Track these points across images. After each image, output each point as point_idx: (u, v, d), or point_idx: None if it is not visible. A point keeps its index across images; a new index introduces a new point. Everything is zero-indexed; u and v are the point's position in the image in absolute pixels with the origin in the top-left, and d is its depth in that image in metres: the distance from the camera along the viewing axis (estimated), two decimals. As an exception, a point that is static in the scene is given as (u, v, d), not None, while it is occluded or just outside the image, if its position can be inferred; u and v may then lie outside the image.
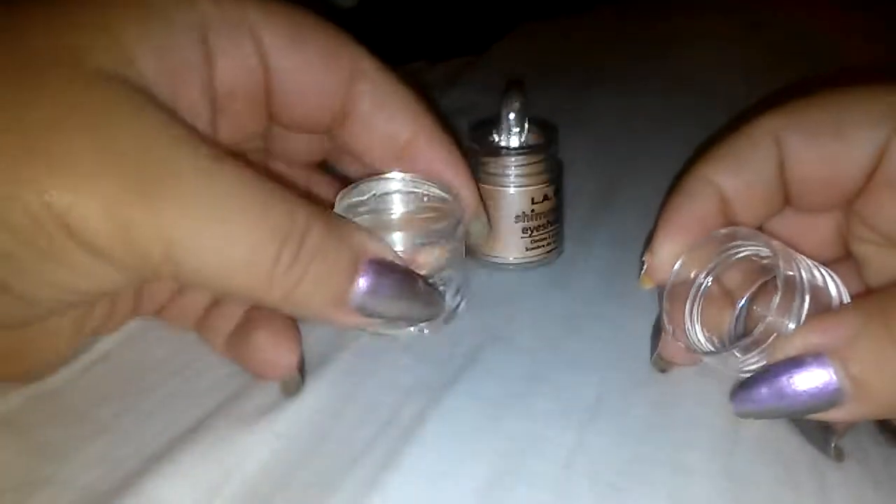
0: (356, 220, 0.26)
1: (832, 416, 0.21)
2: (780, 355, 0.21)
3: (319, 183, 0.33)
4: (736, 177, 0.26)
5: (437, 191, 0.29)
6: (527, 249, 0.36)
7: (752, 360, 0.23)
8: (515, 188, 0.35)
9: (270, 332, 0.27)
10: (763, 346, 0.23)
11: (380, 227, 0.26)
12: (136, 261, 0.21)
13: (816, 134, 0.25)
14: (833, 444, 0.24)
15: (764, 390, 0.21)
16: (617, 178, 0.47)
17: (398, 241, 0.26)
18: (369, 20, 0.77)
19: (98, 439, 0.26)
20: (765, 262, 0.26)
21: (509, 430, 0.26)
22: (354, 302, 0.23)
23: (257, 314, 0.28)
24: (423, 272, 0.26)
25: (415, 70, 0.69)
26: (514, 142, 0.36)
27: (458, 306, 0.30)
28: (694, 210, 0.26)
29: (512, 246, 0.36)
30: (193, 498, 0.23)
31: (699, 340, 0.26)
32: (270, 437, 0.26)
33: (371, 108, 0.28)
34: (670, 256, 0.26)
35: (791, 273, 0.23)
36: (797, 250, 0.25)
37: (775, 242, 0.24)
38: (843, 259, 0.27)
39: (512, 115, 0.36)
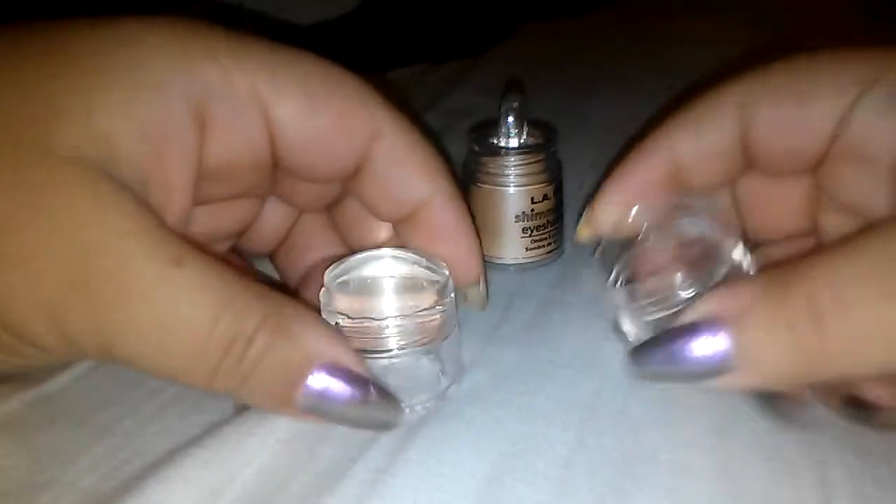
0: (341, 296, 0.26)
1: (720, 384, 0.22)
2: (680, 321, 0.22)
3: (324, 230, 0.32)
4: (693, 142, 0.26)
5: (427, 268, 0.28)
6: (527, 249, 0.36)
7: (653, 316, 0.24)
8: (515, 188, 0.35)
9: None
10: (665, 307, 0.24)
11: (364, 306, 0.26)
12: (70, 351, 0.21)
13: (779, 102, 0.25)
14: (780, 410, 0.25)
15: (659, 354, 0.22)
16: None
17: (383, 320, 0.25)
18: (371, 22, 0.77)
19: (99, 443, 0.26)
20: (698, 232, 0.26)
21: (509, 430, 0.26)
22: (301, 404, 0.23)
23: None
24: (404, 354, 0.26)
25: (417, 72, 0.69)
26: (514, 142, 0.36)
27: (448, 387, 0.28)
28: (641, 172, 0.26)
29: (512, 246, 0.36)
30: (195, 502, 0.23)
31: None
32: (271, 440, 0.26)
33: (386, 167, 0.27)
34: (610, 213, 0.27)
35: (720, 247, 0.23)
36: (767, 217, 0.25)
37: (718, 215, 0.24)
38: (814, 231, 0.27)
39: (511, 116, 0.36)
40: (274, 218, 0.31)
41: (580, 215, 0.29)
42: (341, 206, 0.31)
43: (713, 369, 0.21)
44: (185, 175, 0.24)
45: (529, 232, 0.36)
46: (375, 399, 0.24)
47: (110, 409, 0.27)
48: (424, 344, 0.26)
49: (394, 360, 0.26)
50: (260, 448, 0.25)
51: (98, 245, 0.20)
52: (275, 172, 0.27)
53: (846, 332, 0.20)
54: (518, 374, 0.29)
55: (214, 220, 0.28)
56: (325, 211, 0.31)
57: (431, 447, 0.25)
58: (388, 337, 0.25)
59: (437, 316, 0.26)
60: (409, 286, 0.27)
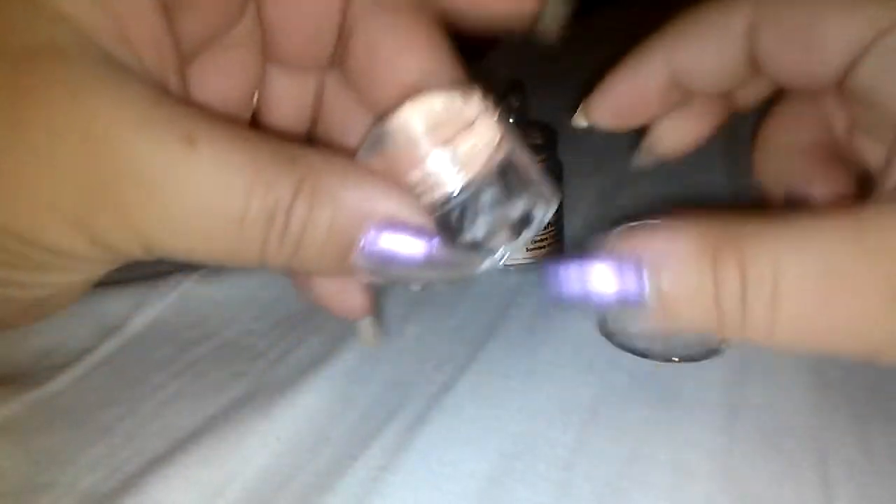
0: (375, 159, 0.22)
1: (630, 319, 0.21)
2: (606, 248, 0.21)
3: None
4: (697, 52, 0.26)
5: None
6: (527, 250, 0.36)
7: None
8: (515, 189, 0.35)
9: (333, 282, 0.25)
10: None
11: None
12: (108, 257, 0.20)
13: (788, 36, 0.24)
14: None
15: (578, 275, 0.21)
16: (617, 180, 0.47)
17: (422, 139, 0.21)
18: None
19: (99, 443, 0.26)
20: None
21: (509, 430, 0.26)
22: (360, 264, 0.21)
23: None
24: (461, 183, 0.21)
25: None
26: (514, 143, 0.36)
27: (500, 253, 0.23)
28: (641, 74, 0.26)
29: (512, 248, 0.36)
30: (196, 501, 0.23)
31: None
32: (272, 439, 0.26)
33: (375, 38, 0.24)
34: (604, 104, 0.27)
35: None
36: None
37: None
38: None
39: (512, 117, 0.36)
40: (284, 85, 0.26)
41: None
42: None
43: (626, 303, 0.20)
44: (152, 23, 0.20)
45: (530, 233, 0.36)
46: (440, 254, 0.21)
47: (109, 409, 0.27)
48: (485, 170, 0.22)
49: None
50: (260, 447, 0.25)
51: (106, 139, 0.18)
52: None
53: (770, 321, 0.19)
54: (518, 374, 0.29)
55: (212, 81, 0.25)
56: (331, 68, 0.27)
57: (432, 446, 0.25)
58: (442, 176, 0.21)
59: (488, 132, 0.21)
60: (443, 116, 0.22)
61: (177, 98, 0.19)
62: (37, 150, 0.18)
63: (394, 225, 0.20)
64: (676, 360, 0.29)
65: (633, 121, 0.27)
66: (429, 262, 0.21)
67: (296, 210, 0.19)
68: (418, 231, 0.20)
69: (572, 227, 0.40)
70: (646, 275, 0.20)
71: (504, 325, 0.32)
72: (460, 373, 0.29)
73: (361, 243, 0.20)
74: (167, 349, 0.31)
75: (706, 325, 0.20)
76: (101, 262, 0.20)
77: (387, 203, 0.20)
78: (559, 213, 0.37)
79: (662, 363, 0.29)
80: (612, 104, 0.27)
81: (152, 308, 0.33)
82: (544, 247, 0.36)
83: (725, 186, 0.44)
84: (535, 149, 0.35)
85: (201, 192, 0.18)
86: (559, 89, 0.62)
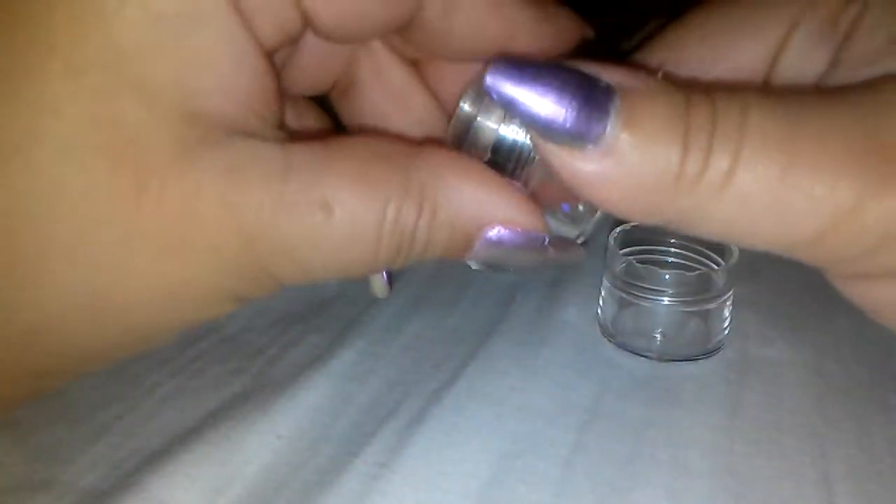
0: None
1: (569, 159, 0.18)
2: (576, 65, 0.18)
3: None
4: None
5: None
6: (527, 251, 0.36)
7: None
8: (515, 189, 0.35)
9: None
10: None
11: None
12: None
13: (706, 48, 0.23)
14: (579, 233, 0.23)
15: (528, 75, 0.18)
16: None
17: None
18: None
19: (99, 440, 0.26)
20: None
21: (509, 429, 0.26)
22: (473, 261, 0.21)
23: None
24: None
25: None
26: (514, 144, 0.36)
27: (589, 229, 0.24)
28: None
29: (512, 247, 0.36)
30: (196, 499, 0.23)
31: None
32: (272, 437, 0.26)
33: None
34: None
35: None
36: None
37: None
38: None
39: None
40: (321, 51, 0.24)
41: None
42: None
43: (584, 123, 0.17)
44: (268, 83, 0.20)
45: (529, 233, 0.36)
46: (553, 249, 0.21)
47: (110, 406, 0.27)
48: None
49: None
50: (261, 445, 0.25)
51: (254, 231, 0.18)
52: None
53: (733, 193, 0.17)
54: (518, 372, 0.29)
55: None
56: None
57: (432, 444, 0.25)
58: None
59: None
60: None
61: (294, 149, 0.19)
62: (200, 265, 0.18)
63: (509, 228, 0.20)
64: (675, 359, 0.30)
65: None
66: (542, 256, 0.21)
67: (419, 231, 0.19)
68: (530, 238, 0.20)
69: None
70: (616, 102, 0.17)
71: (504, 324, 0.32)
72: (460, 371, 0.29)
73: (477, 247, 0.20)
74: (166, 347, 0.31)
75: (659, 182, 0.18)
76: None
77: (502, 208, 0.20)
78: (559, 214, 0.37)
79: (662, 363, 0.30)
80: None
81: (152, 306, 0.33)
82: (544, 247, 0.36)
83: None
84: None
85: (340, 248, 0.19)
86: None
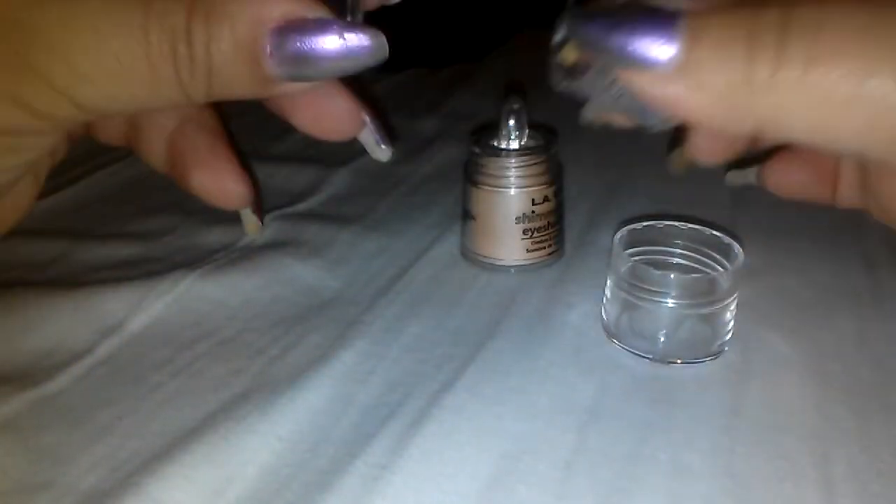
0: None
1: (651, 83, 0.19)
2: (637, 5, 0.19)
3: None
4: None
5: None
6: (527, 251, 0.36)
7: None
8: (516, 189, 0.35)
9: (209, 172, 0.26)
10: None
11: None
12: (57, 123, 0.21)
13: None
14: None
15: (602, 23, 0.19)
16: (617, 180, 0.47)
17: None
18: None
19: (99, 442, 0.26)
20: None
21: (510, 430, 0.26)
22: (276, 71, 0.20)
23: (188, 149, 0.26)
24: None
25: (415, 76, 0.69)
26: (515, 144, 0.36)
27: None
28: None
29: (513, 248, 0.36)
30: (196, 501, 0.23)
31: None
32: (272, 439, 0.26)
33: None
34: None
35: None
36: None
37: None
38: None
39: (512, 118, 0.36)
40: None
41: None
42: None
43: (651, 58, 0.18)
44: None
45: (530, 233, 0.36)
46: (352, 35, 0.20)
47: (109, 408, 0.27)
48: None
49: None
50: (261, 446, 0.25)
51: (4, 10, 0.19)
52: None
53: (805, 90, 0.18)
54: (518, 373, 0.29)
55: None
56: None
57: (433, 445, 0.25)
58: None
59: None
60: None
61: None
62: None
63: (292, 22, 0.20)
64: (678, 361, 0.30)
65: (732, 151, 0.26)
66: (347, 50, 0.20)
67: (195, 33, 0.19)
68: (319, 22, 0.20)
69: (572, 227, 0.40)
70: (680, 23, 0.18)
71: (504, 324, 0.32)
72: (461, 372, 0.29)
73: (267, 49, 0.20)
74: (166, 348, 0.31)
75: (734, 82, 0.18)
76: (46, 133, 0.21)
77: (279, 4, 0.20)
78: (559, 213, 0.37)
79: (663, 364, 0.30)
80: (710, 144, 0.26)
81: (151, 307, 0.33)
82: (544, 247, 0.36)
83: (727, 187, 0.44)
84: (536, 150, 0.36)
85: (101, 37, 0.19)
86: (558, 93, 0.62)
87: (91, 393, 0.28)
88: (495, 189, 0.35)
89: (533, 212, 0.35)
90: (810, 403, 0.27)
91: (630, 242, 0.32)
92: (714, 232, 0.31)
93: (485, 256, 0.37)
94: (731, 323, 0.30)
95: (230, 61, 0.20)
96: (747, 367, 0.29)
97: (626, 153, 0.50)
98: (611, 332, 0.31)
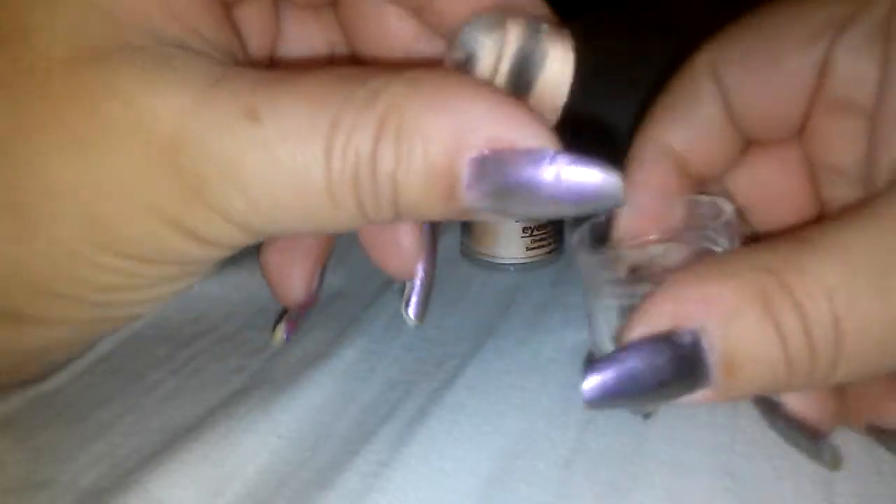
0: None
1: (691, 400, 0.18)
2: (642, 324, 0.17)
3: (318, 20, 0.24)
4: (684, 128, 0.23)
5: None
6: (527, 249, 0.36)
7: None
8: (516, 188, 0.35)
9: (285, 258, 0.25)
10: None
11: None
12: (223, 250, 0.19)
13: (750, 59, 0.22)
14: (825, 449, 0.22)
15: (619, 370, 0.17)
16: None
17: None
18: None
19: (100, 439, 0.26)
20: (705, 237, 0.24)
21: (510, 429, 0.26)
22: (472, 202, 0.17)
23: None
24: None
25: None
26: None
27: None
28: (648, 179, 0.24)
29: (512, 246, 0.36)
30: (196, 498, 0.23)
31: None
32: (272, 437, 0.26)
33: None
34: (634, 228, 0.24)
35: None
36: (769, 205, 0.24)
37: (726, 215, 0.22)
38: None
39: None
40: (299, 20, 0.24)
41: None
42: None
43: (688, 387, 0.17)
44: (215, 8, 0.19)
45: (530, 232, 0.36)
46: (577, 167, 0.16)
47: (109, 405, 0.27)
48: None
49: None
50: (261, 445, 0.25)
51: (173, 136, 0.16)
52: None
53: (836, 355, 0.17)
54: (519, 371, 0.29)
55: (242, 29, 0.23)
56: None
57: (433, 442, 0.25)
58: None
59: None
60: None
61: (234, 67, 0.17)
62: (110, 164, 0.16)
63: (501, 153, 0.16)
64: None
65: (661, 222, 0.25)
66: (557, 194, 0.16)
67: (381, 158, 0.16)
68: (533, 156, 0.16)
69: (571, 226, 0.40)
70: (706, 346, 0.17)
71: (504, 323, 0.32)
72: (461, 370, 0.29)
73: (465, 180, 0.16)
74: (166, 345, 0.31)
75: (774, 383, 0.18)
76: (210, 261, 0.19)
77: (489, 122, 0.16)
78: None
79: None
80: (636, 223, 0.24)
81: (151, 305, 0.33)
82: (544, 246, 0.36)
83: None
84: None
85: (278, 167, 0.16)
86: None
87: (90, 390, 0.28)
88: (495, 187, 0.35)
89: (533, 210, 0.35)
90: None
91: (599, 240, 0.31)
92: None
93: (484, 255, 0.37)
94: None
95: (419, 191, 0.17)
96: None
97: (624, 152, 0.50)
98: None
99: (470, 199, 0.17)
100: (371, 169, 0.16)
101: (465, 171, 0.16)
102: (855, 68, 0.21)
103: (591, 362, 0.17)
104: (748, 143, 0.24)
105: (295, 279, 0.25)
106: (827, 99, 0.22)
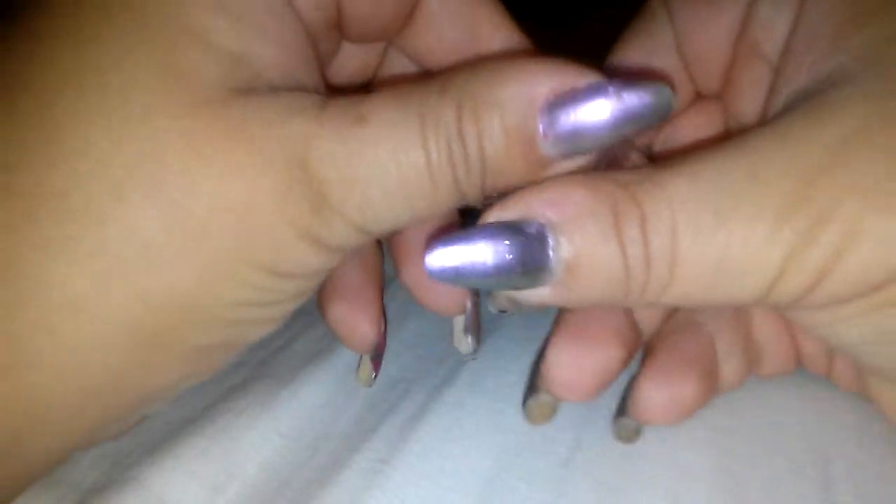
0: None
1: (529, 296, 0.19)
2: (498, 214, 0.19)
3: None
4: (643, 58, 0.25)
5: None
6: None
7: None
8: (517, 186, 0.35)
9: (350, 309, 0.26)
10: None
11: None
12: (336, 256, 0.21)
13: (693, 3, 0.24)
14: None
15: (465, 244, 0.19)
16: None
17: None
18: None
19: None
20: None
21: (510, 424, 0.26)
22: (551, 152, 0.19)
23: (339, 280, 0.26)
24: None
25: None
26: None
27: None
28: None
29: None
30: (195, 496, 0.23)
31: None
32: (273, 435, 0.26)
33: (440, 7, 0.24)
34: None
35: None
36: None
37: None
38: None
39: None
40: (351, 54, 0.26)
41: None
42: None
43: (531, 279, 0.19)
44: (306, 48, 0.21)
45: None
46: (630, 91, 0.19)
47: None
48: None
49: None
50: (262, 443, 0.25)
51: (306, 157, 0.19)
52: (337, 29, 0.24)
53: (670, 275, 0.18)
54: (519, 369, 0.29)
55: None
56: None
57: (433, 440, 0.25)
58: None
59: None
60: None
61: (331, 95, 0.20)
62: (262, 184, 0.18)
63: (565, 95, 0.19)
64: None
65: None
66: (621, 115, 0.19)
67: (467, 134, 0.19)
68: (593, 89, 0.19)
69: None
70: (552, 241, 0.18)
71: (506, 320, 0.32)
72: (462, 367, 0.29)
73: (540, 130, 0.19)
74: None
75: (611, 291, 0.19)
76: (322, 271, 0.21)
77: (547, 78, 0.19)
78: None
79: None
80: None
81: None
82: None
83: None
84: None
85: (387, 157, 0.19)
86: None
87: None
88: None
89: (535, 208, 0.35)
90: (810, 402, 0.27)
91: None
92: None
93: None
94: None
95: (504, 151, 0.19)
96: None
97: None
98: None
99: (547, 147, 0.19)
100: (461, 146, 0.19)
101: (538, 122, 0.19)
102: (770, 16, 0.22)
103: (439, 237, 0.19)
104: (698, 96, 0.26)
105: (364, 328, 0.26)
106: (744, 46, 0.23)
